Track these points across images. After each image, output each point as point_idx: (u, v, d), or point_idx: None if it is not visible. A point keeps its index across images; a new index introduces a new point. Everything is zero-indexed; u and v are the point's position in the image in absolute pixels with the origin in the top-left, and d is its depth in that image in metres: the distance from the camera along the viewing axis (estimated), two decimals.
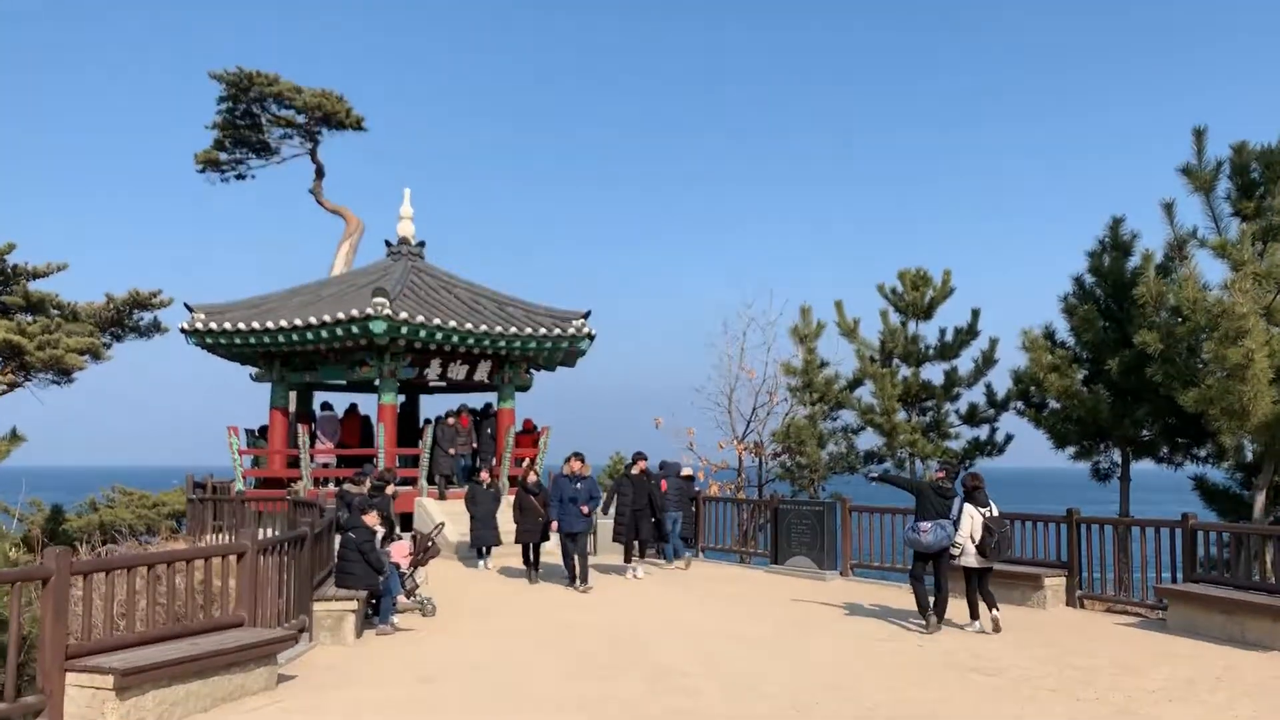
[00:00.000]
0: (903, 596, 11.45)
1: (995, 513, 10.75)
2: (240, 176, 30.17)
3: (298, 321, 17.85)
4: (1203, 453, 15.97)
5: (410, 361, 18.74)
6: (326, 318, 17.60)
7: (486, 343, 18.80)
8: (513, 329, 19.00)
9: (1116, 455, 16.88)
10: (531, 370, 21.08)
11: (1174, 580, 11.26)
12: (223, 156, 29.34)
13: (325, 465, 19.39)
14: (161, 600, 7.62)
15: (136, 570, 7.34)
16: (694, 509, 17.03)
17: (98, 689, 6.52)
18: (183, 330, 18.89)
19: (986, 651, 9.57)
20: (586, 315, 20.00)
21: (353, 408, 21.12)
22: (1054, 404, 16.87)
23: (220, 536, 16.32)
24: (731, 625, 10.98)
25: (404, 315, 17.44)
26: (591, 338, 20.16)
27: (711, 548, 17.17)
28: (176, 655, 6.98)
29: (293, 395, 20.69)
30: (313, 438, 19.15)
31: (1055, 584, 12.18)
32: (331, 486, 17.42)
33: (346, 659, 9.26)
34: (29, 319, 17.25)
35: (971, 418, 20.55)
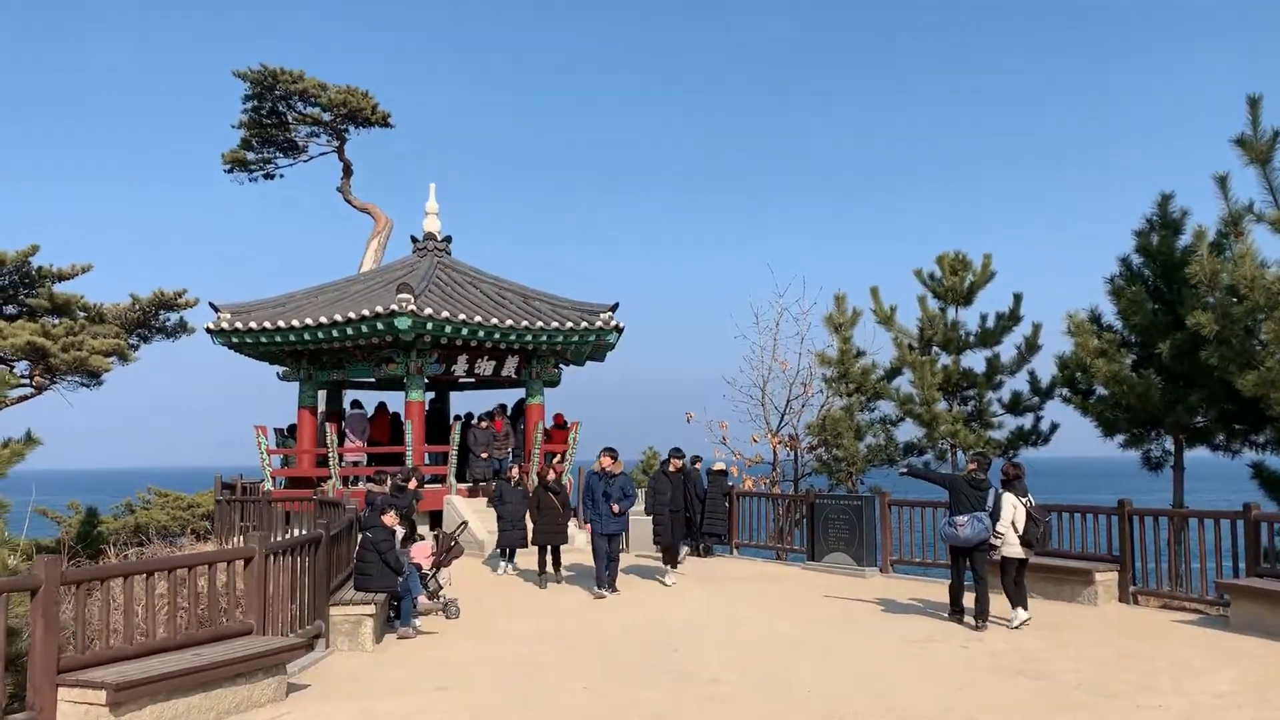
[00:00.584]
0: (945, 594, 10.95)
1: (1033, 503, 10.36)
2: (268, 176, 30.08)
3: (323, 319, 17.64)
4: (1261, 439, 15.20)
5: (437, 358, 18.49)
6: (352, 315, 17.38)
7: (513, 337, 18.46)
8: (539, 323, 18.65)
9: (1169, 443, 16.14)
10: (560, 365, 20.73)
11: (1235, 574, 10.64)
12: (250, 156, 29.23)
13: (355, 464, 19.18)
14: (167, 608, 7.30)
15: (134, 579, 7.01)
16: (727, 504, 16.59)
17: (91, 705, 6.20)
18: (209, 330, 18.79)
19: (1036, 652, 9.03)
20: (614, 308, 19.58)
21: (381, 406, 20.92)
22: (1101, 390, 16.14)
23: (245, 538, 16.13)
24: (765, 626, 10.52)
25: (429, 311, 17.15)
26: (619, 330, 19.75)
27: (746, 544, 16.71)
28: (176, 668, 6.64)
29: (321, 394, 20.52)
30: (341, 436, 18.95)
31: (1107, 579, 11.59)
32: (361, 485, 17.20)
33: (363, 666, 8.93)
34: (54, 321, 17.16)
35: (1015, 406, 19.82)
